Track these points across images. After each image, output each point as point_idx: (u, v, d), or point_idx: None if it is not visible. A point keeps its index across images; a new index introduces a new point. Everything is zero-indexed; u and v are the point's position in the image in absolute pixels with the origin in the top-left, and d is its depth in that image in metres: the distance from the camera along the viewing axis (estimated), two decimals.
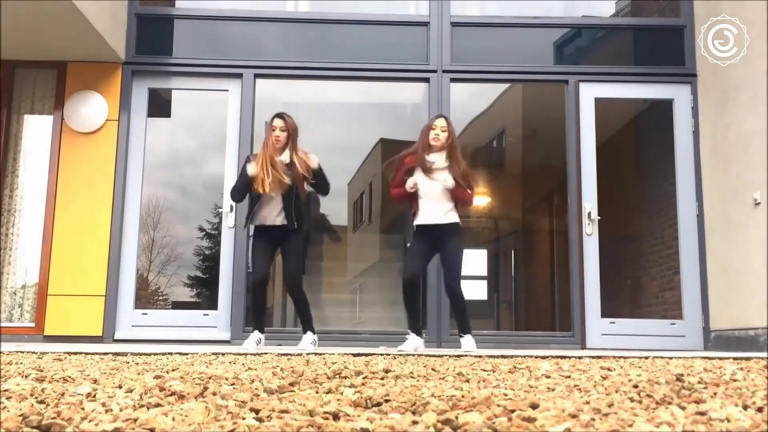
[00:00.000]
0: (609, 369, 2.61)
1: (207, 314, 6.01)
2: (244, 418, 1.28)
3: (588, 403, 1.42)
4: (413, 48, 6.32)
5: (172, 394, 1.63)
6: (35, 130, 6.29)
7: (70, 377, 2.18)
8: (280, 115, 4.88)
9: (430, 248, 4.89)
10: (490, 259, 11.20)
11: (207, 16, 6.39)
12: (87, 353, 3.72)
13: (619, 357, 3.56)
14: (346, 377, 2.24)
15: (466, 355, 3.63)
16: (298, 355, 3.64)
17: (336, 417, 1.31)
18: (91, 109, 6.02)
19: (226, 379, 2.08)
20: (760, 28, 5.30)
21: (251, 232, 5.13)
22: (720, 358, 3.39)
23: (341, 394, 1.71)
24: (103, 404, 1.45)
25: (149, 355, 3.63)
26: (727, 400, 1.44)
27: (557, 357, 3.47)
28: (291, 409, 1.39)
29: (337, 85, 6.97)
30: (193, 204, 7.28)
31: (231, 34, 6.36)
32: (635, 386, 1.76)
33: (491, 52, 6.35)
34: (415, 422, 1.21)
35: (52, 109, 6.14)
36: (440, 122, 4.84)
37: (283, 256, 4.98)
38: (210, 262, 6.91)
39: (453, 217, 4.79)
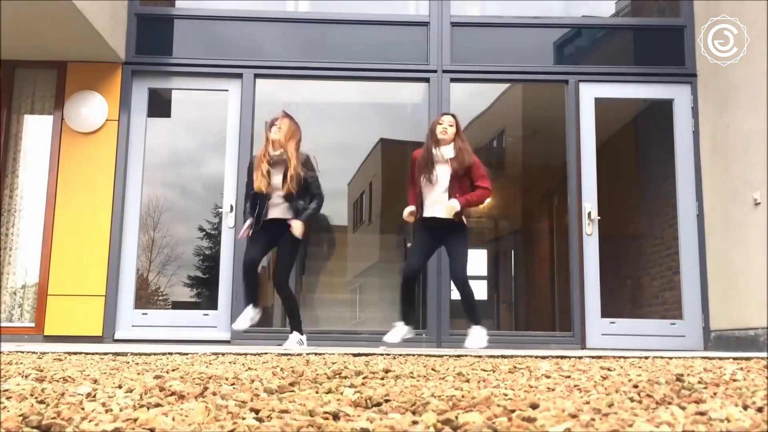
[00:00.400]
0: (609, 369, 2.61)
1: (207, 314, 6.01)
2: (244, 418, 1.28)
3: (588, 403, 1.42)
4: (413, 48, 6.32)
5: (172, 394, 1.63)
6: (35, 130, 6.29)
7: (70, 377, 2.18)
8: (282, 114, 4.99)
9: (435, 242, 4.97)
10: (490, 259, 11.20)
11: (207, 16, 6.39)
12: (87, 353, 3.72)
13: (619, 357, 3.56)
14: (346, 377, 2.24)
15: (466, 355, 3.63)
16: (298, 355, 3.64)
17: (336, 417, 1.31)
18: (91, 109, 6.02)
19: (226, 379, 2.08)
20: (760, 28, 5.30)
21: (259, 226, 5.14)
22: (720, 358, 3.39)
23: (341, 394, 1.71)
24: (103, 404, 1.45)
25: (149, 355, 3.63)
26: (727, 400, 1.44)
27: (557, 357, 3.47)
28: (291, 409, 1.39)
29: (337, 85, 6.97)
30: (193, 204, 7.28)
31: (231, 34, 6.36)
32: (635, 386, 1.76)
33: (491, 52, 6.35)
34: (415, 422, 1.21)
35: (52, 109, 6.14)
36: (447, 118, 4.95)
37: (278, 251, 5.02)
38: (210, 262, 6.91)
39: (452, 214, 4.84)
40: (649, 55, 6.39)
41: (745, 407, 1.36)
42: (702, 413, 1.23)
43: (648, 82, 6.30)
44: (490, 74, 6.41)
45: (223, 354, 3.70)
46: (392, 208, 8.38)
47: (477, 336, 4.80)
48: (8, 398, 1.56)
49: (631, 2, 7.10)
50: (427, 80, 6.25)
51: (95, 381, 2.05)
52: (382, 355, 3.72)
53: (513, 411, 1.31)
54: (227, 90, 6.26)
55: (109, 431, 1.16)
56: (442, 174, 4.84)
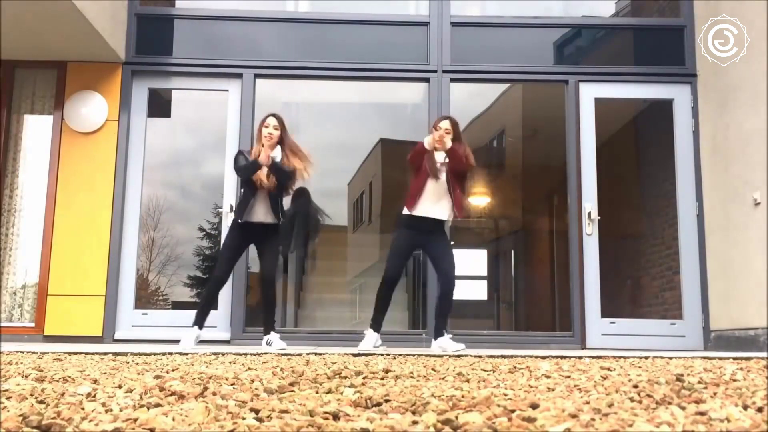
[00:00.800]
0: (609, 369, 2.61)
1: None
2: (244, 418, 1.28)
3: (588, 403, 1.42)
4: (413, 48, 6.32)
5: (172, 394, 1.63)
6: (35, 130, 6.29)
7: (70, 377, 2.18)
8: (273, 115, 4.99)
9: (416, 245, 4.94)
10: (490, 259, 11.20)
11: (207, 16, 6.39)
12: (87, 353, 3.72)
13: (619, 357, 3.56)
14: (346, 377, 2.24)
15: (466, 355, 3.63)
16: (298, 355, 3.64)
17: (336, 417, 1.31)
18: (91, 109, 6.02)
19: (226, 379, 2.08)
20: (760, 28, 5.30)
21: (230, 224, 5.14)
22: (720, 358, 3.39)
23: (341, 394, 1.71)
24: (103, 404, 1.45)
25: (149, 355, 3.63)
26: (727, 400, 1.44)
27: (557, 357, 3.47)
28: (291, 409, 1.39)
29: (338, 85, 6.98)
30: (193, 204, 7.28)
31: (231, 34, 6.36)
32: (635, 386, 1.76)
33: (491, 52, 6.35)
34: (415, 422, 1.21)
35: (52, 109, 6.14)
36: (444, 124, 4.84)
37: (262, 252, 5.00)
38: (210, 262, 6.92)
39: (447, 216, 4.83)
40: (649, 55, 6.39)
41: (745, 407, 1.36)
42: (702, 413, 1.23)
43: (648, 82, 6.30)
44: (490, 74, 6.41)
45: (223, 354, 3.70)
46: (392, 208, 8.39)
47: (447, 342, 4.74)
48: (8, 398, 1.56)
49: (631, 2, 7.10)
50: (427, 80, 6.25)
51: (95, 381, 2.05)
52: (382, 355, 3.72)
53: (513, 411, 1.31)
54: (227, 90, 6.26)
55: (109, 431, 1.16)
56: (441, 181, 4.81)
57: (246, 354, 3.72)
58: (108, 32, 5.76)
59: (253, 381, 2.02)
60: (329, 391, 1.78)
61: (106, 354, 3.63)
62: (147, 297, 6.94)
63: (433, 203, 4.79)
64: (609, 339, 5.83)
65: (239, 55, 6.25)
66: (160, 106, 6.61)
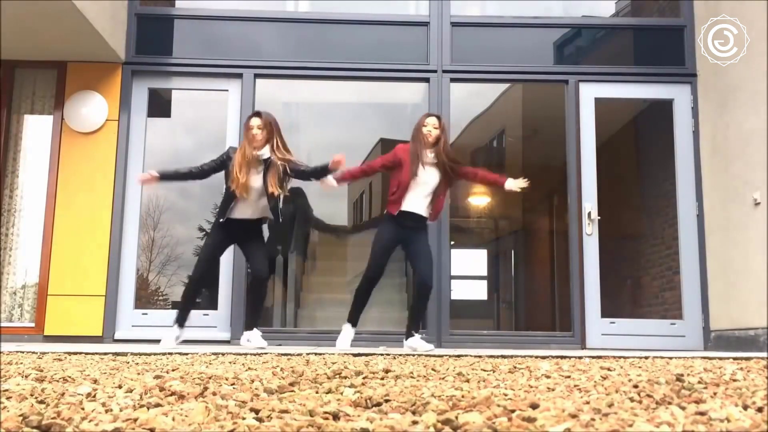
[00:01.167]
0: (609, 369, 2.61)
1: (207, 314, 6.01)
2: (244, 418, 1.28)
3: (588, 403, 1.42)
4: (413, 48, 6.32)
5: (172, 394, 1.63)
6: (35, 130, 6.29)
7: (70, 377, 2.18)
8: (257, 113, 4.89)
9: (398, 240, 4.95)
10: (490, 259, 11.21)
11: (207, 16, 6.39)
12: (87, 353, 3.72)
13: (619, 357, 3.56)
14: (346, 377, 2.24)
15: (466, 355, 3.63)
16: (298, 355, 3.64)
17: (336, 417, 1.31)
18: (91, 109, 6.02)
19: (226, 379, 2.08)
20: (760, 28, 5.30)
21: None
22: (720, 358, 3.39)
23: (341, 394, 1.71)
24: (103, 404, 1.45)
25: (149, 355, 3.63)
26: (727, 400, 1.44)
27: (557, 357, 3.47)
28: (291, 409, 1.39)
29: (338, 85, 6.97)
30: (193, 204, 7.28)
31: (231, 34, 6.36)
32: (635, 386, 1.76)
33: (491, 52, 6.35)
34: (415, 422, 1.21)
35: (52, 109, 6.14)
36: (431, 120, 4.92)
37: (249, 252, 4.97)
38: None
39: (426, 213, 4.90)
40: (649, 55, 6.39)
41: (745, 407, 1.36)
42: (702, 413, 1.23)
43: (648, 82, 6.30)
44: (490, 74, 6.41)
45: (223, 354, 3.70)
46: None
47: (418, 343, 4.77)
48: (8, 398, 1.56)
49: (631, 2, 7.10)
50: (427, 80, 6.25)
51: (95, 381, 2.05)
52: (382, 355, 3.72)
53: (513, 411, 1.31)
54: (227, 90, 6.26)
55: (109, 431, 1.16)
56: (430, 175, 4.85)
57: (246, 354, 3.72)
58: (108, 32, 5.76)
59: (253, 381, 2.02)
60: (329, 391, 1.78)
61: (106, 354, 3.63)
62: (147, 297, 6.94)
63: (417, 200, 4.85)
64: (609, 339, 5.83)
65: (239, 55, 6.25)
66: (160, 106, 6.61)
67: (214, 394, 1.65)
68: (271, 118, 4.86)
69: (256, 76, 6.22)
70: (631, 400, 1.50)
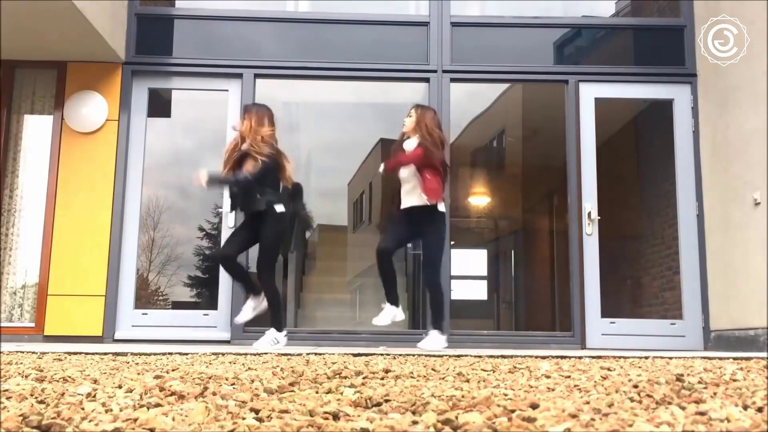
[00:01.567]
0: (609, 369, 2.61)
1: (207, 314, 6.01)
2: (244, 418, 1.28)
3: (588, 403, 1.42)
4: (413, 48, 6.32)
5: (172, 394, 1.63)
6: (35, 130, 6.29)
7: (70, 377, 2.18)
8: (244, 109, 5.05)
9: (409, 231, 5.00)
10: (490, 259, 11.21)
11: (207, 16, 6.39)
12: (87, 353, 3.72)
13: (619, 357, 3.56)
14: (346, 377, 2.24)
15: (466, 355, 3.63)
16: (298, 355, 3.64)
17: (336, 417, 1.31)
18: (91, 109, 6.02)
19: (226, 379, 2.08)
20: (760, 28, 5.30)
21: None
22: (720, 358, 3.39)
23: (341, 394, 1.71)
24: (103, 404, 1.45)
25: (149, 355, 3.63)
26: (727, 400, 1.44)
27: (557, 357, 3.47)
28: (291, 409, 1.39)
29: (338, 85, 6.97)
30: (193, 204, 7.27)
31: (231, 34, 6.36)
32: (635, 386, 1.76)
33: (491, 52, 6.35)
34: (415, 422, 1.21)
35: (52, 109, 6.14)
36: (410, 111, 5.06)
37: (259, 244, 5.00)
38: (210, 262, 6.91)
39: (418, 202, 4.88)
40: (649, 55, 6.39)
41: (745, 407, 1.36)
42: (702, 413, 1.23)
43: (648, 82, 6.30)
44: (490, 74, 6.41)
45: (223, 354, 3.70)
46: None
47: (430, 341, 4.76)
48: (8, 398, 1.56)
49: (631, 2, 7.10)
50: (427, 80, 6.25)
51: (95, 381, 2.05)
52: (382, 355, 3.72)
53: (513, 411, 1.31)
54: (227, 90, 6.26)
55: (109, 431, 1.16)
56: (405, 169, 4.93)
57: (246, 354, 3.72)
58: (108, 32, 5.76)
59: (253, 381, 2.02)
60: (329, 391, 1.78)
61: (106, 354, 3.63)
62: (147, 297, 6.94)
63: (407, 193, 4.93)
64: (609, 339, 5.83)
65: (239, 55, 6.25)
66: (159, 106, 6.61)
67: (214, 394, 1.65)
68: (253, 108, 4.99)
69: (256, 76, 6.22)
70: (631, 400, 1.50)
